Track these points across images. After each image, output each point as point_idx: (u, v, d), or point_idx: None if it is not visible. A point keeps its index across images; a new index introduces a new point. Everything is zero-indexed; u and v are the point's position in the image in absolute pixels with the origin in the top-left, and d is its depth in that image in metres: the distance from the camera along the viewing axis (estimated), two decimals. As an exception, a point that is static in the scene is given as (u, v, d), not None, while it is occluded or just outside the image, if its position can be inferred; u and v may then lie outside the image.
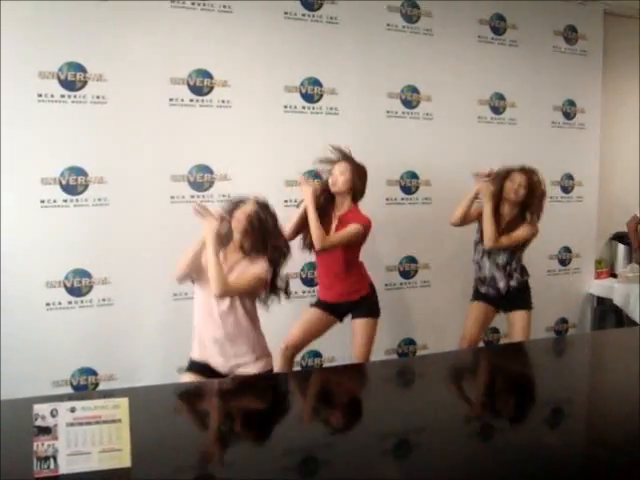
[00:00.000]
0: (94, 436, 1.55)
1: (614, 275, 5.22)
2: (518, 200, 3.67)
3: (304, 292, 4.09)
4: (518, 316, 3.78)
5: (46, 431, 1.52)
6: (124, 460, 1.55)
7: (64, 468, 1.52)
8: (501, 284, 3.73)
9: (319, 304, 3.61)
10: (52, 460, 1.51)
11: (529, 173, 3.69)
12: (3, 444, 1.69)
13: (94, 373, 3.69)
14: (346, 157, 3.46)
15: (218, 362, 2.75)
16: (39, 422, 1.52)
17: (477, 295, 3.85)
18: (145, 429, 1.81)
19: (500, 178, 3.69)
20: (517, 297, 3.78)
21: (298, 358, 3.93)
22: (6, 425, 1.84)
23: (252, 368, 2.75)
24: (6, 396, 2.25)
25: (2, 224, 3.44)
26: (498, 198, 3.68)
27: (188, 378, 2.76)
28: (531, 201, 3.69)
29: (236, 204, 2.82)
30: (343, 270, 3.48)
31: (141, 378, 3.57)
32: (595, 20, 4.97)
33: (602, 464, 1.67)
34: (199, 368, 2.77)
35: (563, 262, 5.07)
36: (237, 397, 2.39)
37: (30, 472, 1.51)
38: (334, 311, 3.57)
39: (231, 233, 2.81)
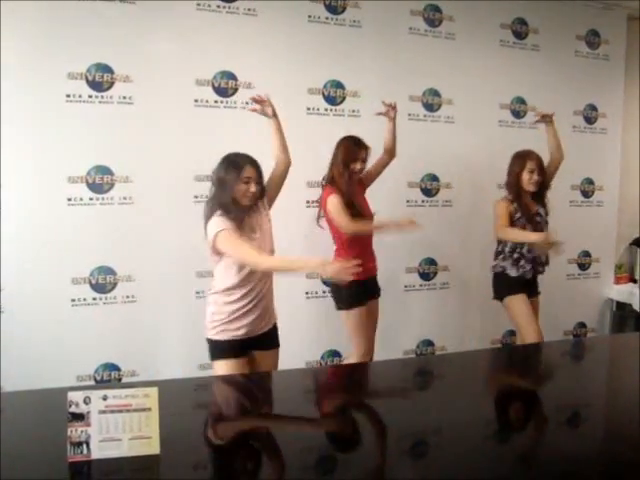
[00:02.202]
0: (125, 423, 1.60)
1: (634, 280, 5.21)
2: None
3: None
4: (536, 303, 3.85)
5: (79, 417, 1.57)
6: (153, 447, 1.60)
7: (96, 453, 1.57)
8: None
9: (358, 295, 3.49)
10: (85, 445, 1.56)
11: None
12: (39, 430, 1.75)
13: (117, 369, 3.76)
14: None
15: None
16: (73, 409, 1.57)
17: (517, 287, 3.70)
18: (170, 419, 1.86)
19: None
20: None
21: (318, 357, 4.05)
22: (42, 413, 1.92)
23: None
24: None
25: (30, 221, 3.53)
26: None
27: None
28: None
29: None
30: (371, 241, 3.63)
31: (163, 374, 3.62)
32: (618, 25, 4.97)
33: (622, 467, 1.68)
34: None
35: (582, 266, 5.06)
36: (255, 391, 2.43)
37: (64, 457, 1.56)
38: (367, 289, 3.57)
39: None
